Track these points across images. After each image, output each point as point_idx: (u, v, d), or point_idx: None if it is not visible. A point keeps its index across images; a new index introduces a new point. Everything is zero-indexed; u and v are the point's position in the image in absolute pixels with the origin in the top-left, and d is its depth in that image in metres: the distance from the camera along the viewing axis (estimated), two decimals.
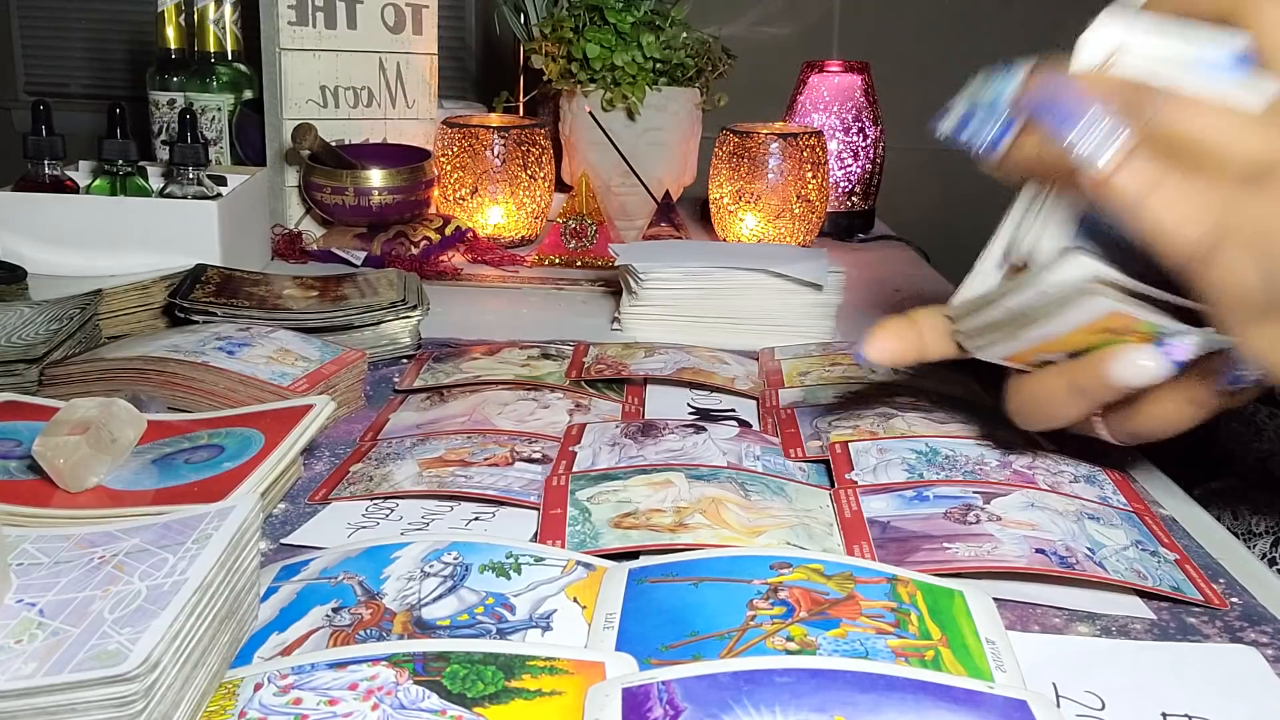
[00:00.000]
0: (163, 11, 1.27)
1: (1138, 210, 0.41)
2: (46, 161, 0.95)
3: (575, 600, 0.43)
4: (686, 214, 1.27)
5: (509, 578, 0.44)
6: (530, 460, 0.57)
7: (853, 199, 1.29)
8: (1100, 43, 0.44)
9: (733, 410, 0.69)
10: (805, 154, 1.13)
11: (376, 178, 1.08)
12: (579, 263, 1.09)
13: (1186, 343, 0.44)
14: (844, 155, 1.27)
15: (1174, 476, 0.61)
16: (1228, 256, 0.41)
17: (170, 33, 1.27)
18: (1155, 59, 0.43)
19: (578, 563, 0.45)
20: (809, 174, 1.13)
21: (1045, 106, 0.42)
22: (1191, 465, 0.74)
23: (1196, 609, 0.46)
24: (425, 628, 0.41)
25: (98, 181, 0.99)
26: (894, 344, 0.53)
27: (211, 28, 1.26)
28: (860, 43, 2.27)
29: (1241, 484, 0.71)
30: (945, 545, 0.48)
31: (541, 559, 0.45)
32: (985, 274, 0.52)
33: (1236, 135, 0.40)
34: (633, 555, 0.47)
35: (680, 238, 1.13)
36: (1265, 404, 0.68)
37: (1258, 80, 0.42)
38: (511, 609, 0.42)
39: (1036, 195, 0.48)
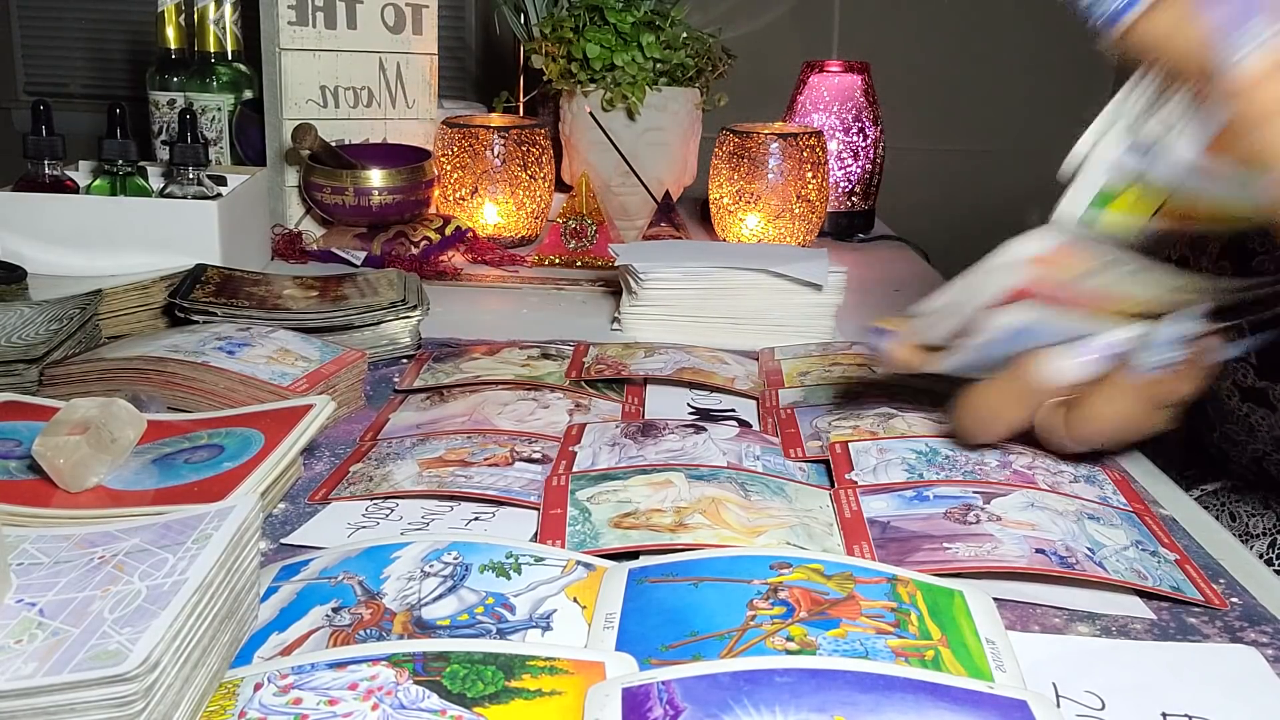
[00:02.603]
0: (163, 11, 1.27)
1: (1265, 125, 0.37)
2: (46, 161, 0.95)
3: (575, 600, 0.43)
4: (686, 214, 1.27)
5: (509, 578, 0.44)
6: (530, 460, 0.57)
7: (853, 199, 1.29)
8: None
9: (733, 410, 0.69)
10: (805, 154, 1.13)
11: (376, 178, 1.08)
12: (579, 263, 1.09)
13: (1098, 344, 0.48)
14: (844, 155, 1.27)
15: (1170, 477, 0.61)
16: None
17: (170, 33, 1.27)
18: None
19: (578, 563, 0.45)
20: (809, 174, 1.13)
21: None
22: (1187, 468, 0.74)
23: (1196, 609, 0.46)
24: (425, 628, 0.41)
25: (98, 181, 0.99)
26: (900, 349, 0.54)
27: (211, 28, 1.26)
28: (860, 43, 2.27)
29: (1237, 485, 0.71)
30: (945, 545, 0.48)
31: (541, 559, 0.45)
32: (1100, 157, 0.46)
33: None
34: (633, 555, 0.47)
35: (680, 238, 1.13)
36: (1259, 405, 0.68)
37: None
38: (511, 609, 0.42)
39: (1157, 86, 0.42)
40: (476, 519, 0.52)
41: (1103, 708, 0.39)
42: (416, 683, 0.36)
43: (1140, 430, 0.52)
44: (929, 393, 0.67)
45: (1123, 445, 0.54)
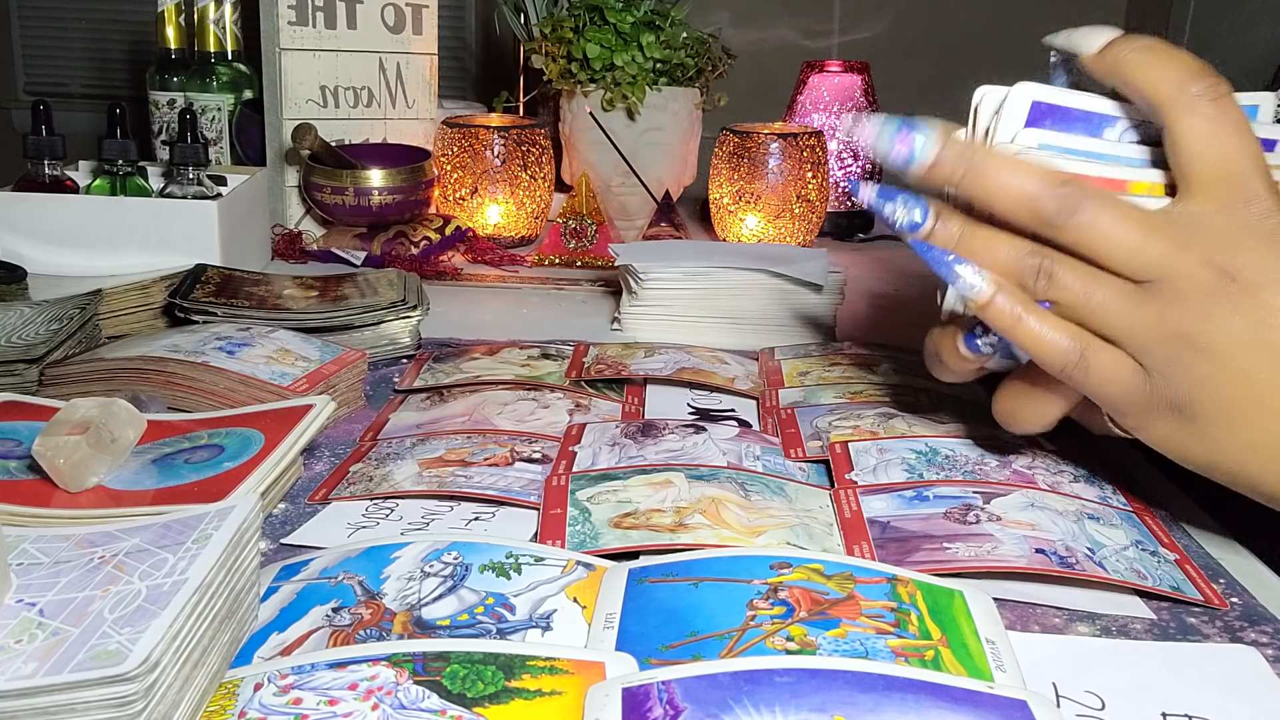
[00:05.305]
0: (163, 11, 1.27)
1: (1012, 334, 0.46)
2: (46, 161, 0.95)
3: (575, 600, 0.43)
4: (686, 214, 1.27)
5: (509, 578, 0.44)
6: (530, 460, 0.57)
7: (853, 199, 1.29)
8: (1011, 115, 0.48)
9: (733, 410, 0.69)
10: (805, 154, 1.13)
11: (376, 178, 1.08)
12: (579, 263, 1.09)
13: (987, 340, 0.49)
14: (844, 155, 1.27)
15: (1170, 477, 0.61)
16: (1100, 363, 0.45)
17: (170, 33, 1.27)
18: (1064, 150, 0.47)
19: (578, 563, 0.45)
20: (809, 174, 1.13)
21: (927, 253, 0.48)
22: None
23: (1196, 609, 0.46)
24: (425, 628, 0.41)
25: (98, 181, 0.99)
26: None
27: (211, 28, 1.26)
28: (860, 43, 2.27)
29: None
30: (945, 545, 0.48)
31: (541, 559, 0.45)
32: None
33: (1129, 246, 0.44)
34: (633, 555, 0.47)
35: (680, 238, 1.13)
36: None
37: (1154, 162, 0.47)
38: (511, 609, 0.42)
39: None
40: (476, 519, 0.52)
41: (1103, 708, 0.39)
42: (416, 683, 0.36)
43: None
44: (929, 392, 0.67)
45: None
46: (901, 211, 0.48)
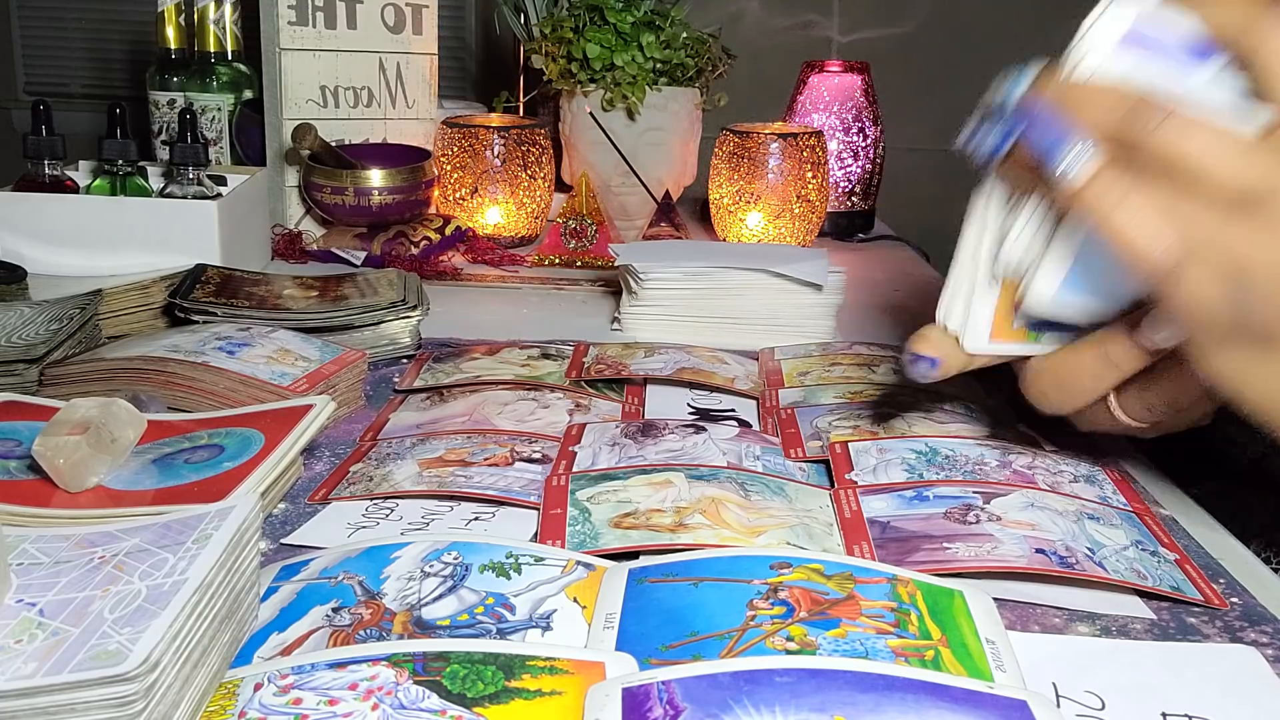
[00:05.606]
0: (163, 11, 1.27)
1: (1106, 223, 0.42)
2: (46, 161, 0.95)
3: (575, 600, 0.43)
4: (686, 214, 1.27)
5: (509, 578, 0.44)
6: (530, 460, 0.57)
7: (853, 199, 1.29)
8: (1104, 34, 0.44)
9: (733, 410, 0.69)
10: (805, 154, 1.13)
11: (376, 178, 1.08)
12: (579, 263, 1.09)
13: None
14: (844, 155, 1.27)
15: (1170, 477, 0.61)
16: (1193, 276, 0.41)
17: (170, 33, 1.27)
18: (1153, 77, 0.43)
19: (578, 563, 0.45)
20: (809, 174, 1.13)
21: (1028, 121, 0.44)
22: (1186, 467, 0.74)
23: (1196, 609, 0.46)
24: (425, 628, 0.41)
25: (98, 181, 0.99)
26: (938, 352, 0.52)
27: (211, 28, 1.26)
28: (860, 43, 2.27)
29: (1236, 486, 0.71)
30: (945, 545, 0.48)
31: (541, 559, 0.45)
32: (975, 284, 0.51)
33: (1228, 160, 0.40)
34: (633, 555, 0.47)
35: (680, 238, 1.13)
36: None
37: (1253, 106, 0.43)
38: (511, 609, 0.42)
39: (1029, 205, 0.48)
40: (476, 519, 0.52)
41: (1103, 708, 0.39)
42: (416, 683, 0.36)
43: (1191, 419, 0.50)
44: (929, 393, 0.67)
45: (1166, 431, 0.52)
46: (999, 125, 0.45)
